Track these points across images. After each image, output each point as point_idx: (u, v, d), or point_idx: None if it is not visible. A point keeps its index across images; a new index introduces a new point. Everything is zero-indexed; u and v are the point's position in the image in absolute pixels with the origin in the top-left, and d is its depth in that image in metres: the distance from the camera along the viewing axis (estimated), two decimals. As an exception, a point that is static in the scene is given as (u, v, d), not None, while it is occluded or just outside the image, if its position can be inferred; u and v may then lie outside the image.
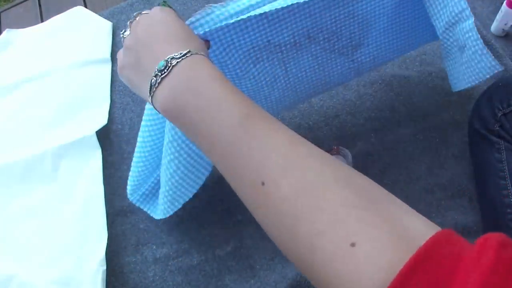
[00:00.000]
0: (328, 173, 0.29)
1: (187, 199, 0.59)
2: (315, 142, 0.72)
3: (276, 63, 0.51)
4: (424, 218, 0.27)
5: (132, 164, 0.58)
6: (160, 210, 0.61)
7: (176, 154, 0.49)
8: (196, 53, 0.36)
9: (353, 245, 0.24)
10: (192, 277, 0.63)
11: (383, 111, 0.71)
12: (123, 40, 0.42)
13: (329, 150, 0.59)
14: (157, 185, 0.63)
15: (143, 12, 0.41)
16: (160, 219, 0.68)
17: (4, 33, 0.96)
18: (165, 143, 0.50)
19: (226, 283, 0.62)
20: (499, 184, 0.55)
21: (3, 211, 0.71)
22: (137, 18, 0.41)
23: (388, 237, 0.24)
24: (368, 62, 0.60)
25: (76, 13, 0.96)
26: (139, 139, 0.54)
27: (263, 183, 0.29)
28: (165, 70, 0.35)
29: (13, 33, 0.97)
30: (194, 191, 0.58)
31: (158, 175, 0.62)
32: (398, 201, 0.29)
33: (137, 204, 0.63)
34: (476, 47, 0.49)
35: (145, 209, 0.64)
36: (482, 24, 0.78)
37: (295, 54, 0.51)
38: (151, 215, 0.64)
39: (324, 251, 0.26)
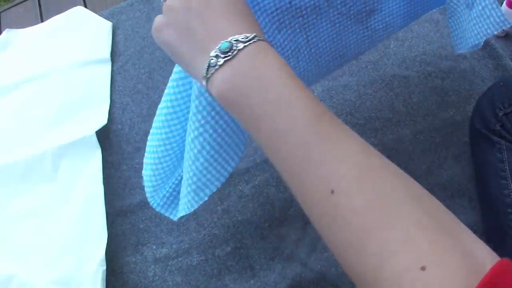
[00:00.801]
0: (401, 189, 0.27)
1: (214, 189, 0.50)
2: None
3: (298, 30, 0.50)
4: (483, 243, 0.26)
5: (148, 159, 0.51)
6: (182, 204, 0.53)
7: (201, 130, 0.43)
8: (261, 39, 0.32)
9: (423, 268, 0.23)
10: (192, 277, 0.63)
11: (383, 111, 0.71)
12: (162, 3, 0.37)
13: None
14: (179, 186, 0.55)
15: None
16: (160, 219, 0.68)
17: (4, 33, 0.96)
18: (189, 116, 0.44)
19: (226, 283, 0.62)
20: (500, 184, 0.55)
21: (3, 211, 0.71)
22: None
23: (458, 263, 0.24)
24: (381, 29, 0.59)
25: (76, 13, 0.97)
26: (156, 124, 0.47)
27: (332, 192, 0.27)
28: (230, 53, 0.31)
29: (13, 33, 0.97)
30: (223, 179, 0.50)
31: (181, 173, 0.54)
32: (462, 225, 0.27)
33: (158, 209, 0.56)
34: (486, 2, 0.49)
35: (166, 214, 0.56)
36: (482, 24, 0.78)
37: (314, 20, 0.51)
38: (173, 219, 0.57)
39: (393, 272, 0.24)
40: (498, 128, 0.57)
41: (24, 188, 0.73)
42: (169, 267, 0.64)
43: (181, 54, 0.35)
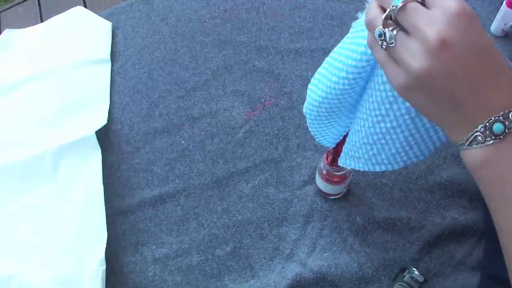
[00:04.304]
0: None
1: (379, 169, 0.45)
2: (315, 142, 0.72)
3: None
4: None
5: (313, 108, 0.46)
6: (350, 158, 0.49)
7: (381, 118, 0.39)
8: None
9: None
10: (191, 277, 0.63)
11: (383, 111, 0.71)
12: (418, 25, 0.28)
13: (328, 151, 0.59)
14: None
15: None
16: (160, 219, 0.68)
17: (4, 33, 0.96)
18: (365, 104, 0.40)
19: (226, 283, 0.62)
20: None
21: (3, 211, 0.71)
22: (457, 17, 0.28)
23: None
24: None
25: (76, 13, 0.96)
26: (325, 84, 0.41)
27: None
28: (501, 136, 0.29)
29: (13, 33, 0.97)
30: (390, 167, 0.44)
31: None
32: None
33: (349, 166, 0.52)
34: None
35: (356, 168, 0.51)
36: (482, 24, 0.77)
37: None
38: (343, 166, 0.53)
39: None
40: None
41: (24, 188, 0.73)
42: (168, 267, 0.64)
43: (434, 115, 0.31)
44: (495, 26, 0.76)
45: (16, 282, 0.63)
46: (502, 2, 0.72)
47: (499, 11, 0.74)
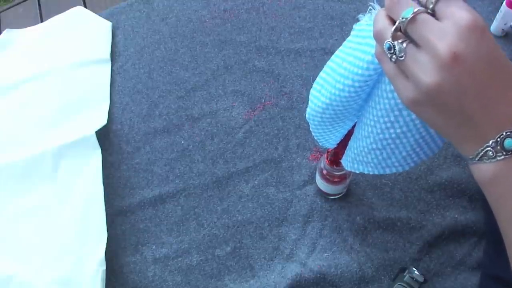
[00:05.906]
0: None
1: (371, 171, 0.46)
2: (315, 142, 0.72)
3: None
4: None
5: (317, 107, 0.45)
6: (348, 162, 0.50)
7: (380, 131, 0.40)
8: None
9: None
10: (191, 277, 0.63)
11: (383, 111, 0.71)
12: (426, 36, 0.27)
13: (328, 151, 0.59)
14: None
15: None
16: (160, 219, 0.68)
17: (4, 33, 0.96)
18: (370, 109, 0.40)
19: (226, 283, 0.62)
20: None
21: (3, 211, 0.71)
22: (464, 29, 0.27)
23: None
24: None
25: (76, 13, 0.96)
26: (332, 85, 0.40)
27: None
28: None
29: (13, 33, 0.97)
30: (401, 169, 0.44)
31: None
32: None
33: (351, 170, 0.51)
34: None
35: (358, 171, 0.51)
36: (482, 24, 0.78)
37: None
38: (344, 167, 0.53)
39: None
40: None
41: (24, 188, 0.73)
42: (168, 267, 0.64)
43: (443, 129, 0.31)
44: (495, 26, 0.76)
45: (16, 282, 0.63)
46: (502, 2, 0.72)
47: (499, 11, 0.74)
